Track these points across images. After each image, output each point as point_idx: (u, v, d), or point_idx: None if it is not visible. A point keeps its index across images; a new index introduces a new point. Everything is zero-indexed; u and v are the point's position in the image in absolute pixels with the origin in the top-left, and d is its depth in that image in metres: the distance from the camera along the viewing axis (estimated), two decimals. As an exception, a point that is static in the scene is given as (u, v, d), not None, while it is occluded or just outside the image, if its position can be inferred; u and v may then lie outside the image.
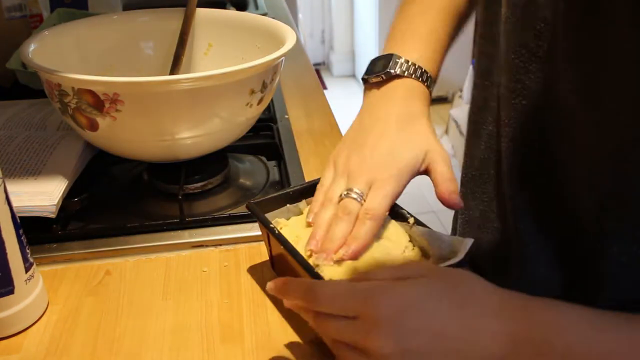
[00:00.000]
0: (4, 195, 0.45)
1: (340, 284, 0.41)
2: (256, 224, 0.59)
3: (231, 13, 0.80)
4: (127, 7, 1.07)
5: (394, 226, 0.52)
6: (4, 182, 0.45)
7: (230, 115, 0.60)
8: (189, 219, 0.60)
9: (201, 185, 0.65)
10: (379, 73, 0.57)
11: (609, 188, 0.43)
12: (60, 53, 0.67)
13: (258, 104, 0.61)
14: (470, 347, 0.37)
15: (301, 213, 0.55)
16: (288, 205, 0.55)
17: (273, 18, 0.72)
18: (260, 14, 0.80)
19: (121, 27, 0.75)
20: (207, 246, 0.58)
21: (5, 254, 0.45)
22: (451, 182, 0.51)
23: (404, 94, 0.56)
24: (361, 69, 3.34)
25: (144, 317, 0.50)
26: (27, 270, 0.48)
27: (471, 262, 0.48)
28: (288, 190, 0.56)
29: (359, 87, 3.36)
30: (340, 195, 0.51)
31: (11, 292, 0.47)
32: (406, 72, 0.56)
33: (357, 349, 0.38)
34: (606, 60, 0.40)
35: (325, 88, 3.31)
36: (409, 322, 0.37)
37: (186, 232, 0.59)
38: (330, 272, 0.47)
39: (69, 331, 0.48)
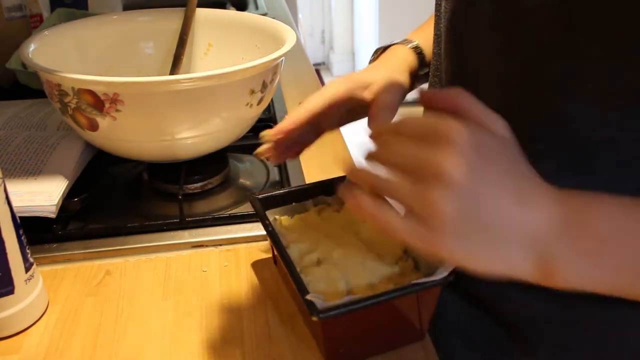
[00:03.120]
0: (4, 195, 0.45)
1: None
2: (256, 224, 0.59)
3: (231, 13, 0.80)
4: (127, 7, 1.07)
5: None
6: (4, 182, 0.45)
7: (230, 115, 0.60)
8: (189, 219, 0.60)
9: (201, 185, 0.65)
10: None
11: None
12: (60, 53, 0.67)
13: (258, 104, 0.61)
14: (519, 211, 0.34)
15: (306, 212, 0.55)
16: (294, 203, 0.55)
17: (273, 18, 0.72)
18: (260, 14, 0.79)
19: (121, 27, 0.75)
20: (207, 246, 0.58)
21: (5, 254, 0.45)
22: (384, 111, 0.53)
23: (387, 54, 0.64)
24: (361, 68, 3.34)
25: (144, 317, 0.50)
26: (27, 270, 0.48)
27: None
28: (294, 189, 0.55)
29: (359, 87, 3.35)
30: None
31: (11, 292, 0.47)
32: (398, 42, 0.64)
33: (417, 175, 0.34)
34: None
35: (325, 88, 3.30)
36: (482, 156, 0.33)
37: (186, 232, 0.59)
38: (315, 275, 0.46)
39: (69, 331, 0.48)
